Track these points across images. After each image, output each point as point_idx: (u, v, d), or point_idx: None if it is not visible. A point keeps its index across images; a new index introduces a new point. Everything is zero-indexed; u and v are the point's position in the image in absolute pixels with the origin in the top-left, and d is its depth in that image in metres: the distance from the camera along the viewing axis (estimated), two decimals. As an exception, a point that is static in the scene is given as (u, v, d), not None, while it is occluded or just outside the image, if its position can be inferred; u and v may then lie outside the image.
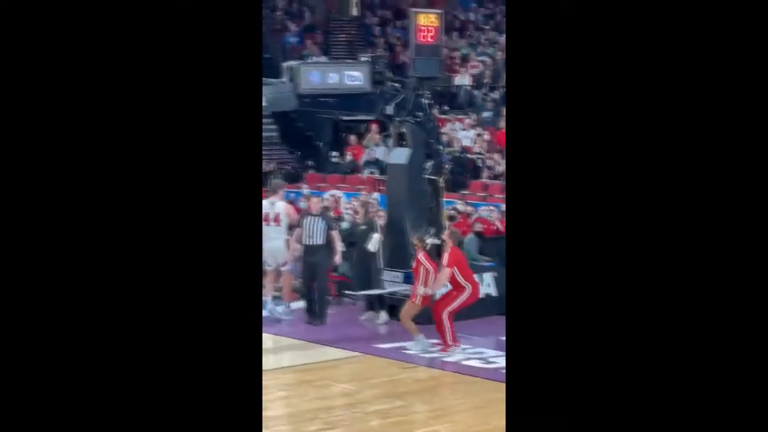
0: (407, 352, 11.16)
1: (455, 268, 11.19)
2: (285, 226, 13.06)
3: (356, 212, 14.57)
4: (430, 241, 11.84)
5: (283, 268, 13.07)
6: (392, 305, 12.74)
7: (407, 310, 11.40)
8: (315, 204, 12.97)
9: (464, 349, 11.13)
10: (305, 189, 17.39)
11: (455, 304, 11.19)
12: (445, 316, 11.13)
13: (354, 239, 13.64)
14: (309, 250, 12.67)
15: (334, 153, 21.13)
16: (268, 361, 10.53)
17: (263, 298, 12.35)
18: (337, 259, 12.81)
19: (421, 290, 11.20)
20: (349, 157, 20.53)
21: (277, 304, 13.03)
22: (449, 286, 11.38)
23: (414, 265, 11.46)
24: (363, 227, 13.43)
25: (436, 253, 11.78)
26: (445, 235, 11.64)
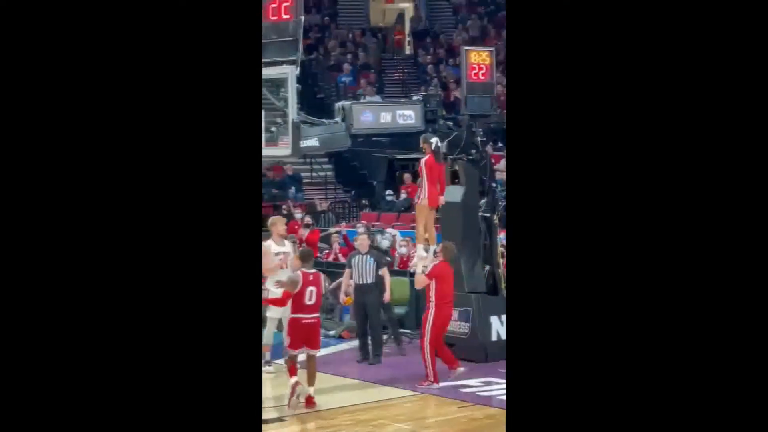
0: (463, 390, 11.09)
1: (434, 281, 11.23)
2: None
3: None
4: None
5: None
6: (449, 343, 12.70)
7: None
8: (363, 242, 12.95)
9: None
10: (360, 227, 17.42)
11: (428, 334, 11.17)
12: (426, 348, 11.19)
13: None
14: (360, 289, 12.67)
15: (389, 191, 21.18)
16: (322, 401, 10.59)
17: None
18: (386, 296, 12.75)
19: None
20: (403, 195, 20.57)
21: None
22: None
23: None
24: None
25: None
26: (439, 248, 11.66)
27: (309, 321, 10.45)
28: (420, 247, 12.00)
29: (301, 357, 10.69)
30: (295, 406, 10.33)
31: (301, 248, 11.95)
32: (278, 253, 12.06)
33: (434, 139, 12.09)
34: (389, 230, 17.11)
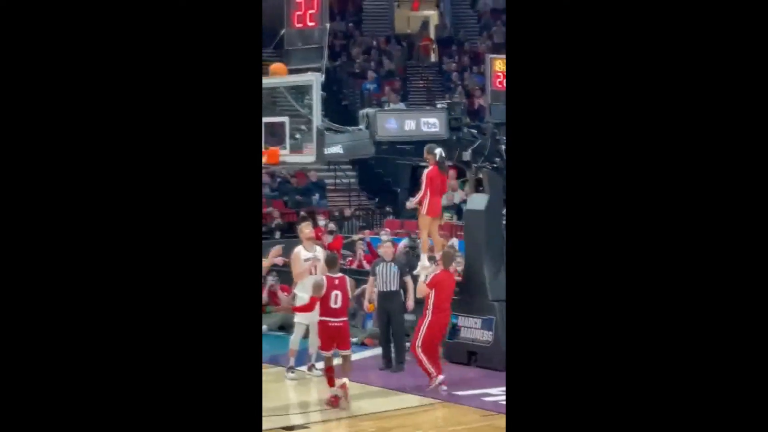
0: (486, 399, 11.07)
1: (433, 291, 11.39)
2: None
3: None
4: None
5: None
6: (471, 352, 12.67)
7: None
8: (387, 250, 12.95)
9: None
10: (384, 235, 17.40)
11: (421, 337, 11.36)
12: (418, 351, 11.34)
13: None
14: (384, 297, 12.67)
15: (412, 198, 21.15)
16: (342, 410, 10.59)
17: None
18: (410, 305, 12.74)
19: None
20: (427, 202, 20.54)
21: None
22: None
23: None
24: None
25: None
26: (439, 256, 11.80)
27: (336, 324, 10.65)
28: (423, 256, 12.18)
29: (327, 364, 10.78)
30: (345, 406, 10.51)
31: (326, 253, 12.00)
32: (308, 258, 12.10)
33: (438, 150, 12.26)
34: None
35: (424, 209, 12.12)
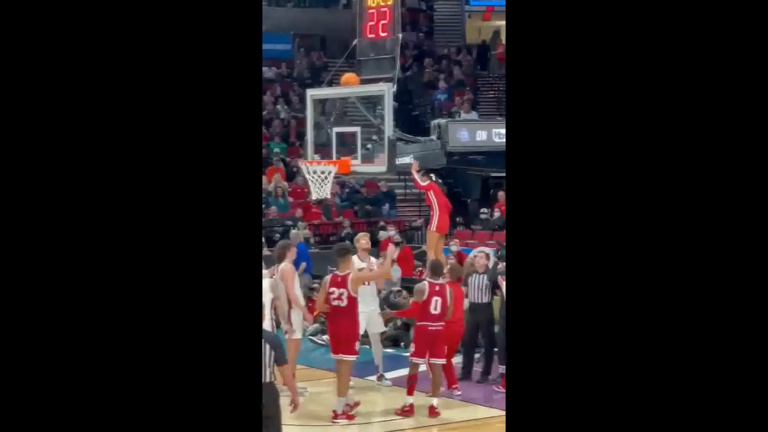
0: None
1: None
2: (375, 288, 12.17)
3: None
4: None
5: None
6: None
7: None
8: (480, 261, 12.80)
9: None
10: (454, 246, 17.38)
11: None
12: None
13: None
14: (473, 308, 12.47)
15: (483, 209, 21.11)
16: (412, 420, 10.58)
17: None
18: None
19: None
20: (497, 213, 20.48)
21: None
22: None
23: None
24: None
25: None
26: (446, 269, 11.89)
27: (435, 328, 10.84)
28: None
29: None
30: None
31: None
32: (360, 269, 12.08)
33: (431, 176, 12.62)
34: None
35: (433, 226, 12.21)
